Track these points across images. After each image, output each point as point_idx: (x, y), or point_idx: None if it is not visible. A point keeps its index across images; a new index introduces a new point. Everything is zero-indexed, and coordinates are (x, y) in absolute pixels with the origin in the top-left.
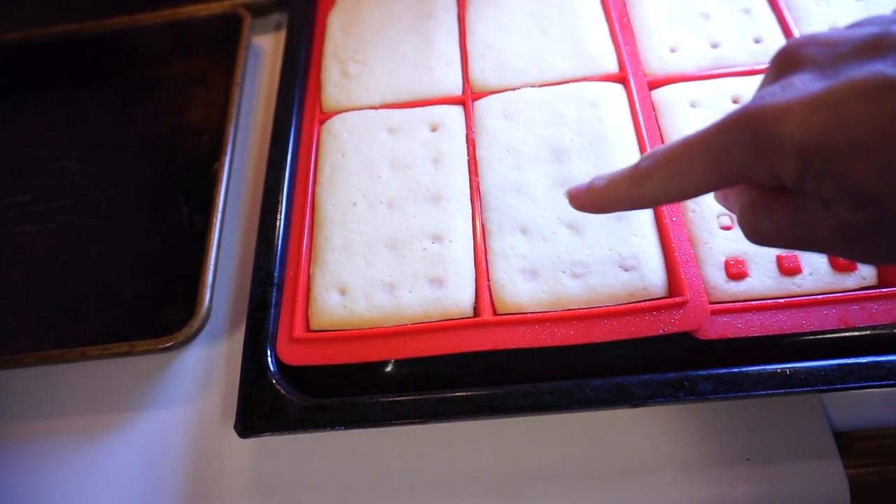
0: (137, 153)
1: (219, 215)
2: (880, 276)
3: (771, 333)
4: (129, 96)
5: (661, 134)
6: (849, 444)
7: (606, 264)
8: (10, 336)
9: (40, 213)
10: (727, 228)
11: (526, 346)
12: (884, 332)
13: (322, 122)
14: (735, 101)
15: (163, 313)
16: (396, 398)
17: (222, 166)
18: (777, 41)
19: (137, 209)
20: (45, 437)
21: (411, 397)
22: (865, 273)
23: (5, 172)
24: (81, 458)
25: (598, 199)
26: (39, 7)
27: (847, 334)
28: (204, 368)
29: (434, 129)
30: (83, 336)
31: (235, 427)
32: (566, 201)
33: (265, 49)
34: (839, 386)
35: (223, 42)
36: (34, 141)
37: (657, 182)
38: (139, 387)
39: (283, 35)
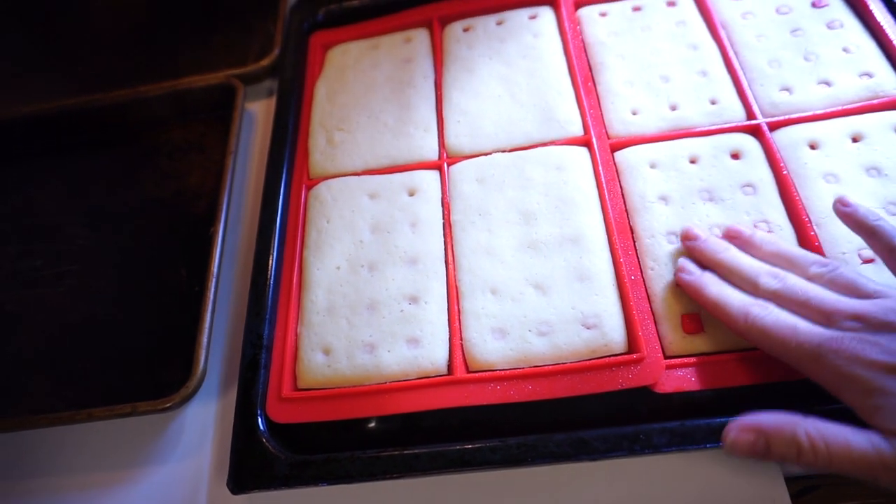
0: (140, 217)
1: (213, 279)
2: None
3: (723, 386)
4: (133, 162)
5: (622, 194)
6: (803, 490)
7: (570, 323)
8: (23, 395)
9: (51, 277)
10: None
11: (496, 402)
12: None
13: (309, 187)
14: (692, 161)
15: (162, 372)
16: (376, 454)
17: (217, 232)
18: (732, 102)
19: (139, 271)
20: (52, 494)
21: (389, 453)
22: None
23: (19, 238)
24: None
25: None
26: (48, 81)
27: (795, 385)
28: (200, 425)
29: (412, 194)
30: (88, 395)
31: (228, 484)
32: (533, 262)
33: (258, 114)
34: None
35: (219, 109)
36: (44, 207)
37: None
38: (140, 445)
39: (274, 101)
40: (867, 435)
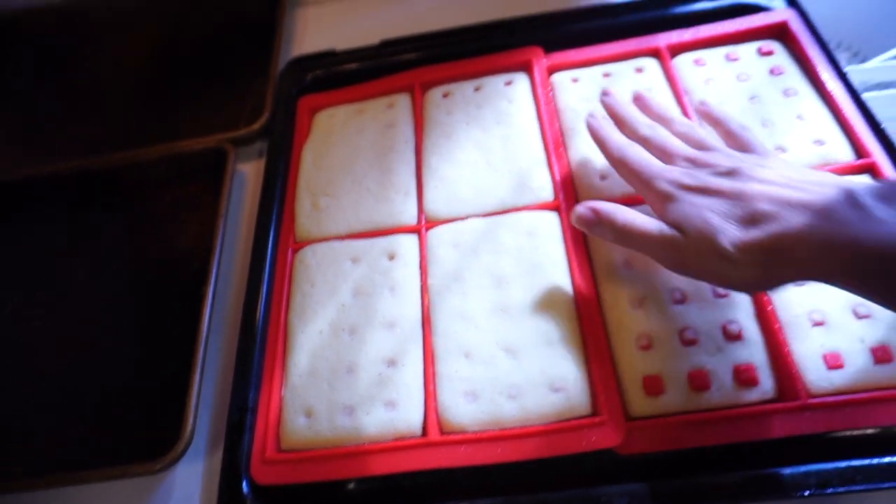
0: (134, 277)
1: (203, 341)
2: (778, 390)
3: (682, 447)
4: (128, 223)
5: (588, 259)
6: None
7: (538, 386)
8: (13, 454)
9: (42, 335)
10: (646, 348)
11: (467, 464)
12: (782, 443)
13: (295, 250)
14: None
15: (151, 433)
16: None
17: (206, 294)
18: None
19: (132, 331)
20: None
21: None
22: (767, 388)
23: (14, 293)
24: None
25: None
26: (48, 144)
27: (752, 445)
28: (188, 486)
29: (392, 258)
30: (77, 454)
31: None
32: (504, 326)
33: (250, 174)
34: (741, 500)
35: (212, 171)
36: (42, 265)
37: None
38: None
39: (262, 164)
40: (659, 224)
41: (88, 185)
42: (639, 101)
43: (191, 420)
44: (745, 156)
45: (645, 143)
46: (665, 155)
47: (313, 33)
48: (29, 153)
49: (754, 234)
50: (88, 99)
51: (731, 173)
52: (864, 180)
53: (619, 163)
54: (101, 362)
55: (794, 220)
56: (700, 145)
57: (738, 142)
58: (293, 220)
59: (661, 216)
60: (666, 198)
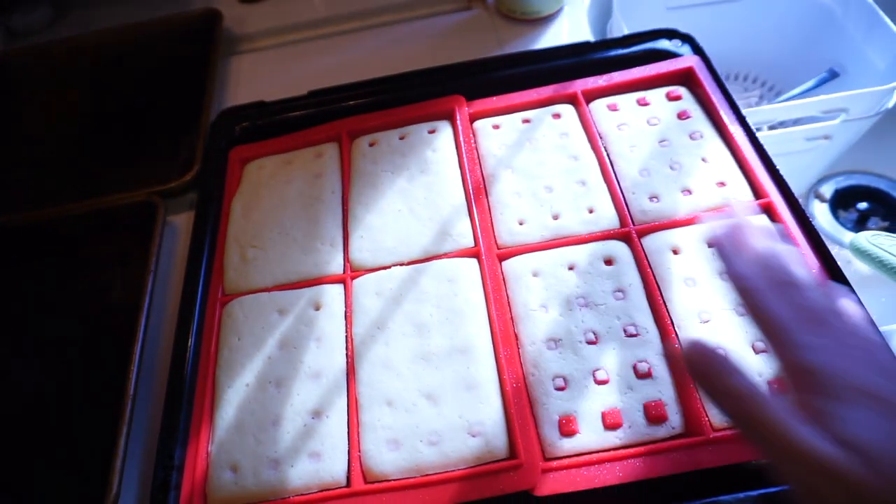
0: (62, 333)
1: (130, 399)
2: (686, 426)
3: (594, 487)
4: (57, 278)
5: (508, 303)
6: None
7: (457, 431)
8: None
9: None
10: (561, 389)
11: None
12: (690, 476)
13: (223, 304)
14: (571, 268)
15: (78, 495)
16: None
17: (134, 351)
18: (607, 210)
19: (58, 388)
20: None
21: None
22: (675, 424)
23: None
24: None
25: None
26: None
27: (668, 479)
28: None
29: (317, 309)
30: None
31: None
32: (425, 373)
33: (181, 226)
34: None
35: (143, 224)
36: None
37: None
38: None
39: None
40: (813, 429)
41: (16, 240)
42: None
43: (116, 480)
44: None
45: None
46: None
47: (245, 83)
48: None
49: None
50: (19, 153)
51: None
52: None
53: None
54: (24, 420)
55: None
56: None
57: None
58: (222, 273)
59: (822, 418)
60: (839, 396)
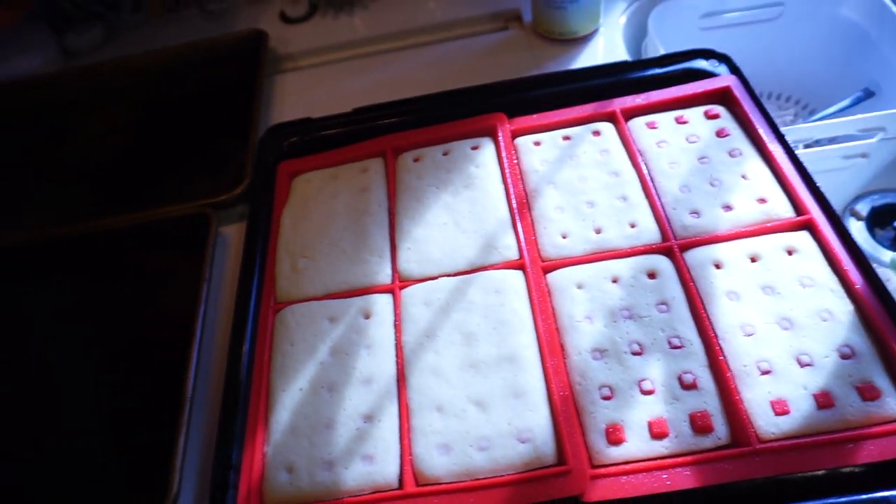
0: (119, 341)
1: (188, 403)
2: (732, 436)
3: (642, 494)
4: (112, 288)
5: (553, 314)
6: None
7: (506, 437)
8: None
9: (24, 403)
10: (607, 398)
11: None
12: (736, 486)
13: (276, 311)
14: (614, 281)
15: (139, 494)
16: None
17: (191, 357)
18: (649, 225)
19: (117, 393)
20: None
21: None
22: (721, 434)
23: (1, 354)
24: None
25: None
26: (36, 215)
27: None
28: None
29: (367, 317)
30: None
31: None
32: (474, 380)
33: (232, 237)
34: None
35: (195, 235)
36: (22, 331)
37: None
38: None
39: (243, 227)
40: None
41: (73, 252)
42: None
43: (176, 479)
44: None
45: None
46: None
47: (290, 100)
48: (14, 221)
49: None
50: (72, 167)
51: None
52: None
53: None
54: (87, 425)
55: None
56: None
57: None
58: (273, 282)
59: None
60: None
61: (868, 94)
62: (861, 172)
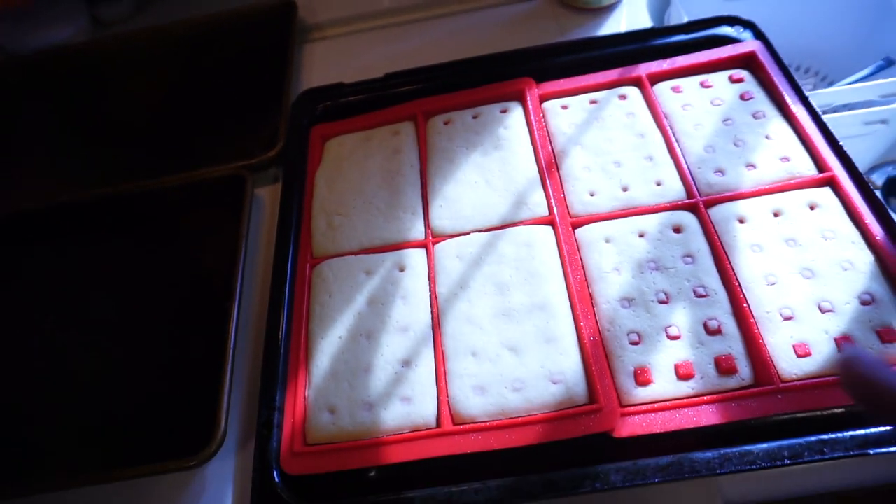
0: (163, 294)
1: (231, 349)
2: (755, 377)
3: (670, 430)
4: (153, 246)
5: (582, 266)
6: None
7: (539, 379)
8: (61, 455)
9: (79, 351)
10: (635, 343)
11: (478, 450)
12: (759, 423)
13: (313, 265)
14: (641, 235)
15: (186, 434)
16: (377, 499)
17: (232, 307)
18: (674, 183)
19: (164, 343)
20: None
21: (388, 498)
22: (744, 375)
23: (49, 313)
24: None
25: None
26: (77, 177)
27: (732, 427)
28: (219, 480)
29: (402, 270)
30: (120, 454)
31: None
32: (507, 327)
33: (265, 198)
34: (718, 472)
35: (230, 196)
36: (72, 285)
37: None
38: (168, 501)
39: (278, 188)
40: None
41: (114, 212)
42: None
43: (223, 421)
44: None
45: None
46: None
47: (320, 68)
48: (57, 183)
49: None
50: (107, 132)
51: None
52: None
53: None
54: (137, 372)
55: None
56: None
57: None
58: (310, 238)
59: None
60: None
61: (889, 63)
62: (880, 140)
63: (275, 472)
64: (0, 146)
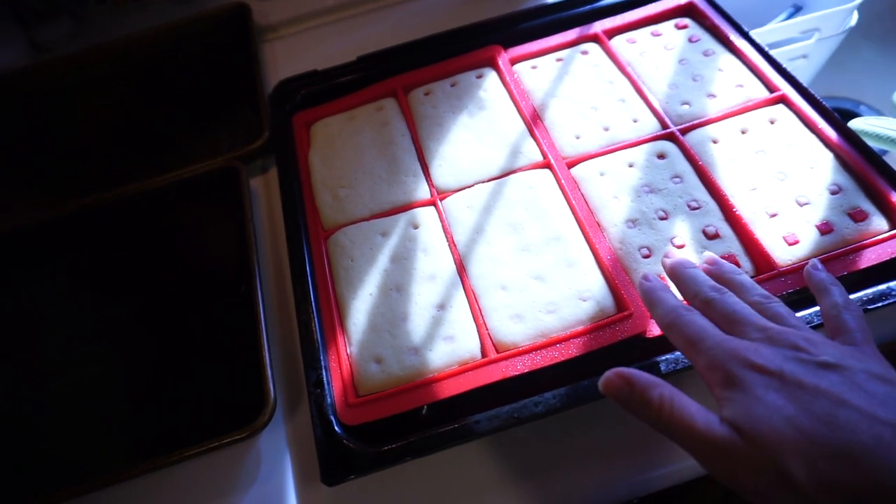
0: (173, 291)
1: (263, 326)
2: (756, 269)
3: None
4: (156, 244)
5: (585, 199)
6: None
7: (570, 299)
8: (99, 456)
9: (104, 355)
10: (647, 256)
11: (527, 370)
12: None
13: (325, 238)
14: (630, 166)
15: (236, 410)
16: (440, 428)
17: (255, 287)
18: (649, 119)
19: (189, 335)
20: None
21: (452, 425)
22: (747, 268)
23: (67, 324)
24: None
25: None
26: (63, 188)
27: None
28: (274, 447)
29: (416, 227)
30: (170, 438)
31: (323, 480)
32: (529, 260)
33: (258, 188)
34: None
35: (222, 189)
36: (83, 296)
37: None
38: (225, 476)
39: (268, 177)
40: (709, 415)
41: (108, 217)
42: (711, 265)
43: (271, 389)
44: (846, 346)
45: (707, 308)
46: (732, 323)
47: (284, 64)
48: (46, 195)
49: (845, 468)
50: (90, 141)
51: (835, 367)
52: None
53: (668, 328)
54: (171, 366)
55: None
56: (777, 320)
57: (837, 323)
58: (317, 214)
59: (719, 406)
60: (728, 381)
61: (797, 9)
62: (802, 73)
63: (335, 425)
64: None
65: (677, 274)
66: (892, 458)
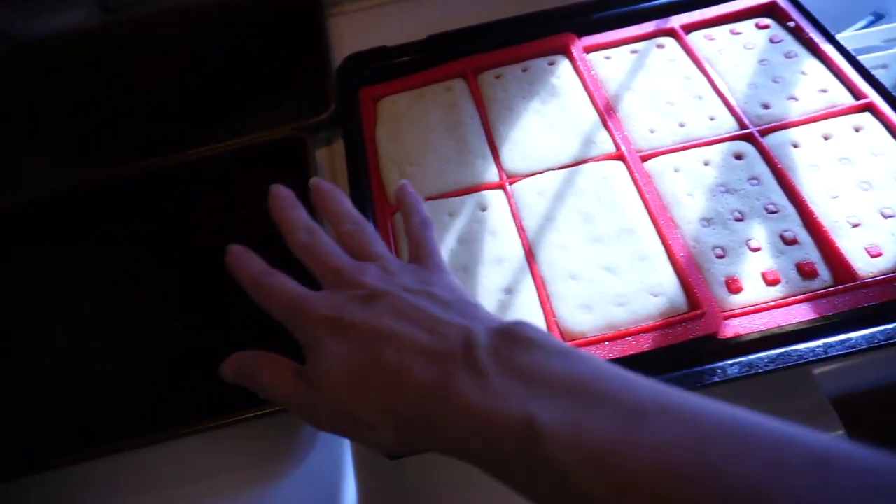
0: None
1: None
2: (835, 278)
3: (773, 327)
4: (213, 213)
5: (659, 194)
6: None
7: (640, 293)
8: (153, 412)
9: (151, 317)
10: (721, 257)
11: None
12: (847, 316)
13: (392, 213)
14: (706, 164)
15: None
16: None
17: None
18: (726, 117)
19: (232, 309)
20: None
21: None
22: (825, 278)
23: (121, 285)
24: None
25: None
26: (127, 144)
27: (822, 322)
28: None
29: (484, 210)
30: (225, 406)
31: (385, 454)
32: (599, 251)
33: (322, 159)
34: (823, 356)
35: (285, 160)
36: (146, 257)
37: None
38: (287, 440)
39: (333, 149)
40: (296, 370)
41: (169, 181)
42: (314, 192)
43: None
44: (406, 272)
45: (302, 253)
46: (319, 269)
47: (350, 40)
48: (111, 156)
49: (383, 390)
50: (155, 104)
51: (370, 298)
52: (491, 325)
53: (257, 294)
54: (235, 332)
55: (417, 379)
56: (361, 251)
57: (417, 243)
58: (383, 190)
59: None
60: (307, 342)
61: (878, 17)
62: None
63: None
64: (16, 135)
65: (277, 218)
66: (413, 380)
